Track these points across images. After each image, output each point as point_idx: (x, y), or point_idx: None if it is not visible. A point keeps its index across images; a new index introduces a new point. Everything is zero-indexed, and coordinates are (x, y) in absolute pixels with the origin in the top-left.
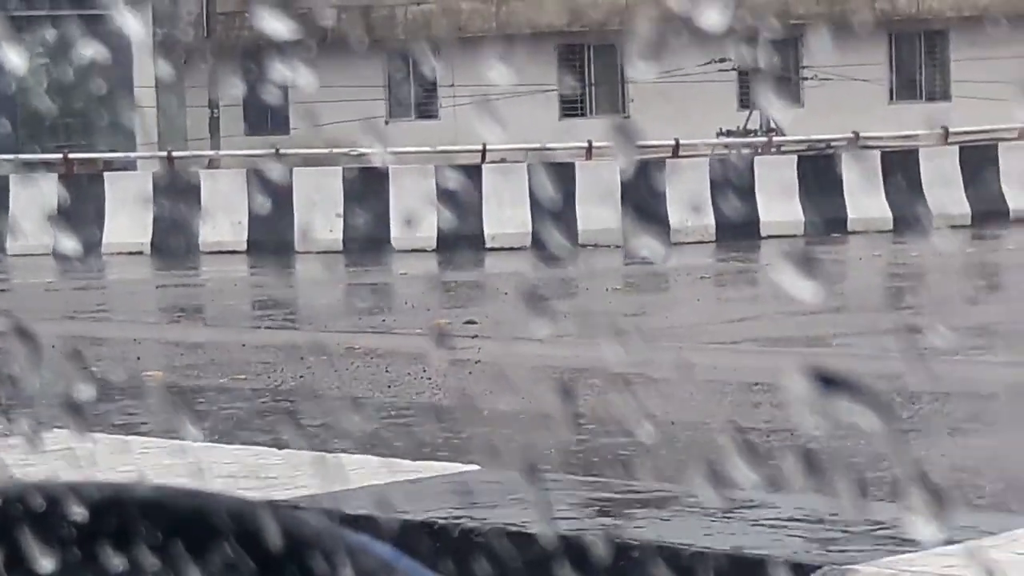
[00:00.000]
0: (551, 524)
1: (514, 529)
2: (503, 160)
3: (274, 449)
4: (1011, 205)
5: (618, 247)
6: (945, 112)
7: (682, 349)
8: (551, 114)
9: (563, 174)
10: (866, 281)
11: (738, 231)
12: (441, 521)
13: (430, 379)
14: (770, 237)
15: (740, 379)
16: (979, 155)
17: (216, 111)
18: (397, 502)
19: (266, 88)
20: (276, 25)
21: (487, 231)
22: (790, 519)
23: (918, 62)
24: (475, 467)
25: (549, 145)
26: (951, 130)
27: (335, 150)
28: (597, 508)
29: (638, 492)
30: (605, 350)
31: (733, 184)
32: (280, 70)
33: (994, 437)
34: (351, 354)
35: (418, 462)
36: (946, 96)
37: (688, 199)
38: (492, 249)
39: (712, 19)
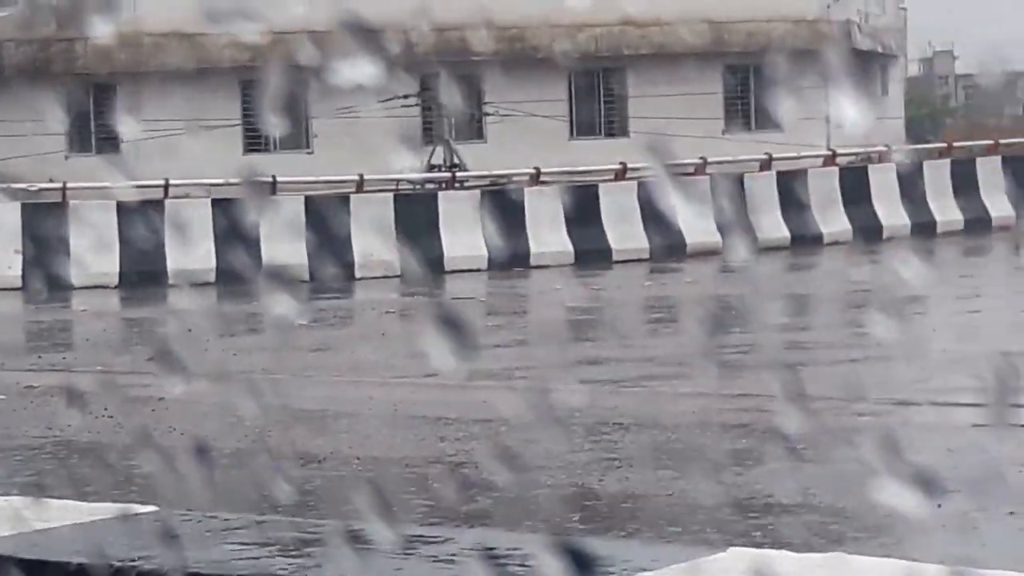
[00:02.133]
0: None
1: (193, 570)
2: (187, 196)
3: None
4: (688, 240)
5: (304, 281)
6: (624, 148)
7: (367, 384)
8: (235, 149)
9: (248, 209)
10: (548, 314)
11: (423, 266)
12: (116, 564)
13: (111, 418)
14: (455, 272)
15: (425, 414)
16: (657, 190)
17: None
18: (70, 544)
19: None
20: None
21: (170, 267)
22: (473, 552)
23: (597, 99)
24: (153, 508)
25: (232, 180)
26: (629, 166)
27: (12, 185)
28: (277, 547)
29: (320, 530)
30: (290, 385)
31: (417, 219)
32: None
33: (673, 468)
34: (29, 393)
35: (93, 504)
36: (624, 132)
37: (372, 234)
38: (174, 286)
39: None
